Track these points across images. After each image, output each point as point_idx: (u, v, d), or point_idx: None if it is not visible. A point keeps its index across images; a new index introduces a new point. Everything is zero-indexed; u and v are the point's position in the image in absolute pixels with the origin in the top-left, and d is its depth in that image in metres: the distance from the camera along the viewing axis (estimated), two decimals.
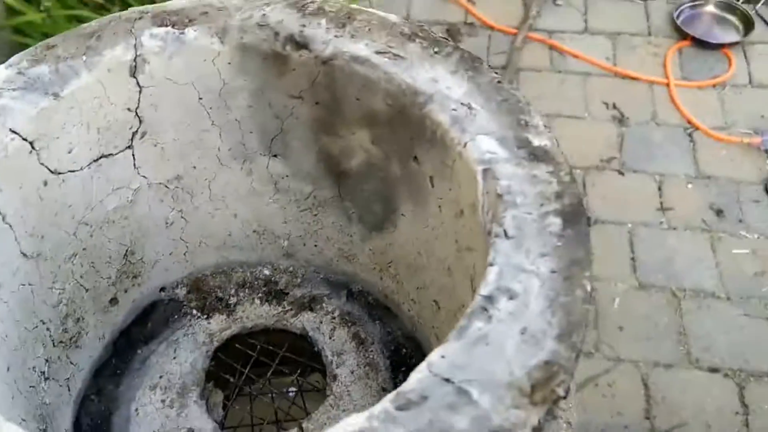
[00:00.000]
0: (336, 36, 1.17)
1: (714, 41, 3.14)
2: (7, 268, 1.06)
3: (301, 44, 1.17)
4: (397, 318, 1.43)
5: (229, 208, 1.40)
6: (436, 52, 1.13)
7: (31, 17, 2.67)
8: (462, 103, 1.05)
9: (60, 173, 1.13)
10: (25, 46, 2.85)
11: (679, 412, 2.09)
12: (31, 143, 1.06)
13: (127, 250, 1.32)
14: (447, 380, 0.76)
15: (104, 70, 1.12)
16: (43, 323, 1.17)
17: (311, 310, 1.46)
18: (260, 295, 1.48)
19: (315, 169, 1.33)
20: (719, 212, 2.58)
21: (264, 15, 1.20)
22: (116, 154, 1.21)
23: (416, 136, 1.12)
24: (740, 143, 2.76)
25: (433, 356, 0.78)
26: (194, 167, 1.32)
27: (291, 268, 1.51)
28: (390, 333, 1.42)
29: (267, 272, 1.51)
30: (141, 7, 1.21)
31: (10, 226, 1.06)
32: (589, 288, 0.84)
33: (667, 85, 2.99)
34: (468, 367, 0.77)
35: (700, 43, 3.15)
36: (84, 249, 1.23)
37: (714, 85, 3.00)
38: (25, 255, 1.10)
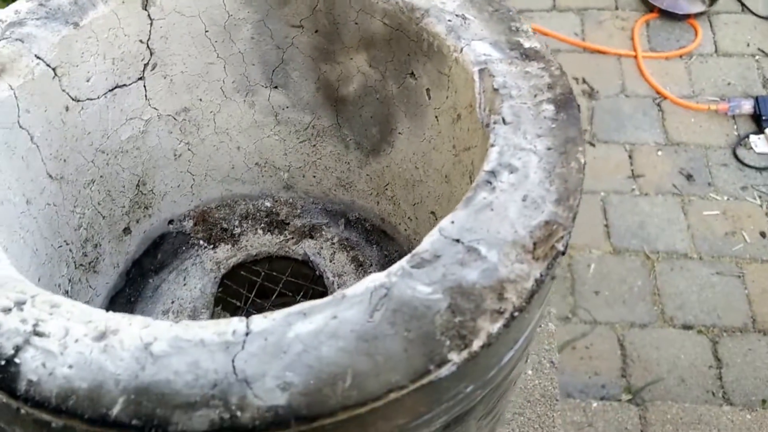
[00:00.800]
0: None
1: (680, 12, 3.22)
2: (36, 185, 1.14)
3: None
4: (394, 240, 1.52)
5: (232, 140, 1.48)
6: None
7: None
8: (456, 15, 1.13)
9: (79, 100, 1.20)
10: None
11: (655, 368, 2.20)
12: (53, 69, 1.14)
13: (138, 181, 1.40)
14: (457, 240, 0.84)
15: (119, 2, 1.19)
16: (66, 244, 1.25)
17: (311, 237, 1.54)
18: (262, 225, 1.56)
19: (314, 98, 1.41)
20: (689, 177, 2.68)
21: None
22: (129, 84, 1.28)
23: (413, 52, 1.20)
24: (708, 110, 2.87)
25: (444, 222, 0.86)
26: (200, 100, 1.39)
27: (291, 200, 1.59)
28: (387, 255, 1.51)
29: (268, 204, 1.59)
30: None
31: (38, 147, 1.14)
32: (582, 161, 0.93)
33: (635, 57, 3.08)
34: (476, 229, 0.85)
35: (667, 15, 3.23)
36: (101, 176, 1.31)
37: (681, 56, 3.10)
38: (50, 176, 1.18)
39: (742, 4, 3.26)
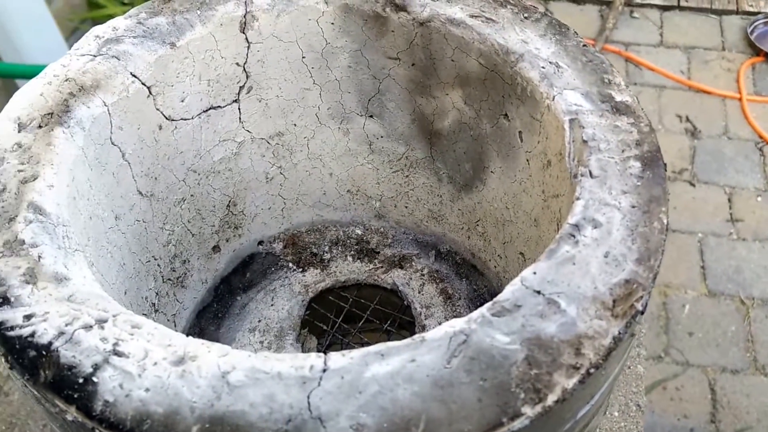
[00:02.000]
0: (432, 0, 1.24)
1: None
2: (125, 202, 1.16)
3: (400, 6, 1.25)
4: (483, 276, 1.50)
5: (325, 166, 1.49)
6: (525, 17, 1.20)
7: (112, 10, 2.80)
8: (550, 62, 1.12)
9: (173, 120, 1.22)
10: None
11: (744, 416, 2.14)
12: (148, 88, 1.15)
13: (229, 201, 1.42)
14: (538, 292, 0.83)
15: (217, 24, 1.21)
16: (155, 259, 1.27)
17: (401, 267, 1.53)
18: (352, 252, 1.56)
19: (408, 129, 1.41)
20: None
21: None
22: (224, 106, 1.30)
23: (507, 94, 1.19)
24: None
25: (526, 272, 0.85)
26: (295, 125, 1.40)
27: (382, 229, 1.59)
28: (476, 290, 1.50)
29: (359, 231, 1.59)
30: None
31: (129, 163, 1.16)
32: (665, 221, 0.90)
33: (740, 99, 3.05)
34: (557, 282, 0.84)
35: None
36: (192, 195, 1.32)
37: None
38: (140, 193, 1.20)
39: None
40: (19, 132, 1.00)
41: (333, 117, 1.42)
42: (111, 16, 2.66)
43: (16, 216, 0.90)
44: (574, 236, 0.88)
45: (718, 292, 2.45)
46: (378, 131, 1.43)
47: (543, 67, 1.11)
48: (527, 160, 1.21)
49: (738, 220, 2.65)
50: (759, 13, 3.35)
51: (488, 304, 0.82)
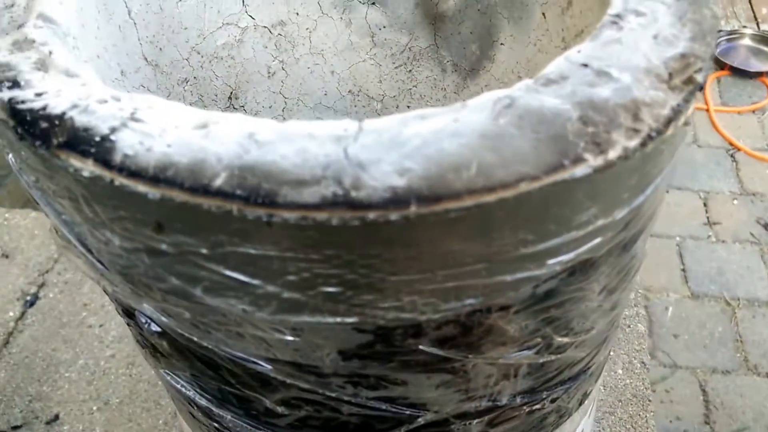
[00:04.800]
0: None
1: (752, 70, 3.24)
2: (131, 61, 1.07)
3: None
4: None
5: (327, 63, 1.41)
6: None
7: None
8: None
9: None
10: None
11: (740, 416, 2.07)
12: None
13: (231, 93, 1.33)
14: (585, 65, 0.75)
15: None
16: None
17: None
18: None
19: (412, 16, 1.33)
20: (766, 226, 2.61)
21: None
22: None
23: None
24: None
25: (568, 52, 0.77)
26: (297, 13, 1.32)
27: None
28: None
29: None
30: None
31: (134, 23, 1.07)
32: (716, 11, 0.83)
33: (707, 110, 3.06)
34: (604, 58, 0.75)
35: (738, 72, 3.24)
36: (194, 78, 1.24)
37: (753, 111, 3.06)
38: (146, 59, 1.11)
39: None
40: None
41: (335, 5, 1.33)
42: None
43: (26, 23, 0.81)
44: (616, 23, 0.80)
45: (702, 293, 2.40)
46: (380, 20, 1.35)
47: None
48: (543, 13, 1.13)
49: (715, 222, 2.63)
50: (721, 30, 3.44)
51: (529, 80, 0.74)
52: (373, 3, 1.33)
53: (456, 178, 0.61)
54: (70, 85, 0.71)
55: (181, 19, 1.16)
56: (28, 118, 0.67)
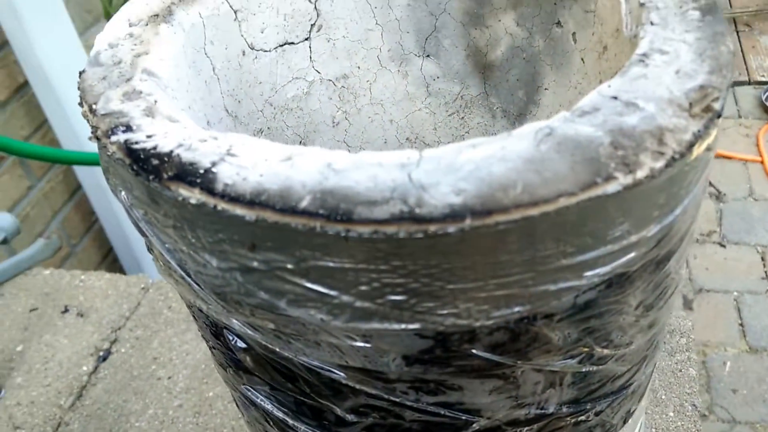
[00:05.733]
0: None
1: None
2: (215, 113, 1.20)
3: None
4: None
5: (386, 112, 1.53)
6: None
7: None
8: None
9: (254, 49, 1.27)
10: None
11: None
12: (235, 12, 1.20)
13: (300, 141, 1.45)
14: (615, 97, 0.85)
15: None
16: None
17: None
18: None
19: (463, 66, 1.45)
20: None
21: None
22: (297, 43, 1.34)
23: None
24: None
25: (600, 87, 0.87)
26: (358, 67, 1.45)
27: None
28: None
29: None
30: None
31: (218, 78, 1.20)
32: (732, 47, 0.93)
33: (762, 162, 3.06)
34: (632, 91, 0.86)
35: None
36: (268, 128, 1.36)
37: None
38: (227, 110, 1.24)
39: None
40: (129, 27, 1.05)
41: (393, 59, 1.46)
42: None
43: (133, 77, 0.94)
44: (643, 61, 0.91)
45: (760, 348, 2.39)
46: (434, 71, 1.47)
47: None
48: (582, 59, 1.24)
49: None
50: None
51: (566, 112, 0.85)
52: (428, 56, 1.45)
53: (504, 195, 0.72)
54: (174, 128, 0.84)
55: (257, 74, 1.29)
56: (142, 156, 0.80)
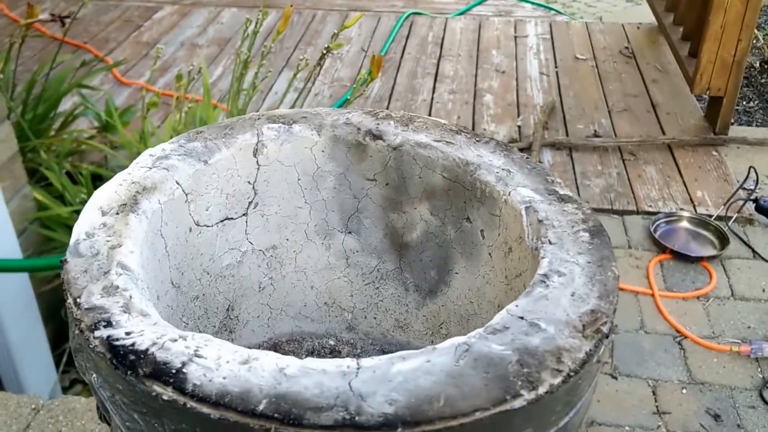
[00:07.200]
0: (402, 130, 1.48)
1: (692, 254, 3.20)
2: (163, 287, 1.33)
3: (377, 136, 1.48)
4: None
5: (308, 279, 1.67)
6: (477, 141, 1.44)
7: (57, 211, 3.00)
8: (503, 168, 1.35)
9: (199, 225, 1.41)
10: (51, 240, 3.16)
11: None
12: (186, 195, 1.35)
13: (229, 306, 1.58)
14: (521, 318, 1.02)
15: (237, 148, 1.43)
16: None
17: None
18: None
19: (381, 243, 1.61)
20: (717, 417, 2.56)
21: (348, 117, 1.52)
22: (235, 218, 1.49)
23: (468, 199, 1.41)
24: (730, 351, 2.76)
25: (509, 306, 1.05)
26: (287, 239, 1.60)
27: (352, 340, 1.75)
28: None
29: (332, 342, 1.76)
30: (258, 112, 1.54)
31: (168, 255, 1.33)
32: (617, 273, 1.12)
33: (652, 295, 3.04)
34: (536, 311, 1.03)
35: (679, 256, 3.20)
36: (203, 294, 1.49)
37: (698, 297, 3.03)
38: (172, 283, 1.37)
39: (753, 251, 3.26)
40: (102, 216, 1.20)
41: (318, 233, 1.61)
42: (58, 215, 2.87)
43: (110, 270, 1.08)
44: (544, 282, 1.09)
45: None
46: (355, 246, 1.63)
47: (497, 173, 1.34)
48: (489, 254, 1.42)
49: (665, 412, 2.57)
50: (658, 212, 3.42)
51: (482, 328, 1.01)
52: (350, 232, 1.61)
53: (429, 408, 0.87)
54: (147, 325, 0.97)
55: (199, 247, 1.43)
56: (121, 352, 0.92)
